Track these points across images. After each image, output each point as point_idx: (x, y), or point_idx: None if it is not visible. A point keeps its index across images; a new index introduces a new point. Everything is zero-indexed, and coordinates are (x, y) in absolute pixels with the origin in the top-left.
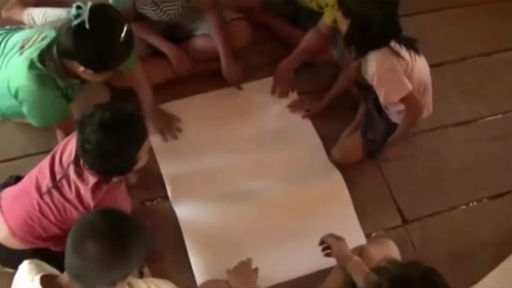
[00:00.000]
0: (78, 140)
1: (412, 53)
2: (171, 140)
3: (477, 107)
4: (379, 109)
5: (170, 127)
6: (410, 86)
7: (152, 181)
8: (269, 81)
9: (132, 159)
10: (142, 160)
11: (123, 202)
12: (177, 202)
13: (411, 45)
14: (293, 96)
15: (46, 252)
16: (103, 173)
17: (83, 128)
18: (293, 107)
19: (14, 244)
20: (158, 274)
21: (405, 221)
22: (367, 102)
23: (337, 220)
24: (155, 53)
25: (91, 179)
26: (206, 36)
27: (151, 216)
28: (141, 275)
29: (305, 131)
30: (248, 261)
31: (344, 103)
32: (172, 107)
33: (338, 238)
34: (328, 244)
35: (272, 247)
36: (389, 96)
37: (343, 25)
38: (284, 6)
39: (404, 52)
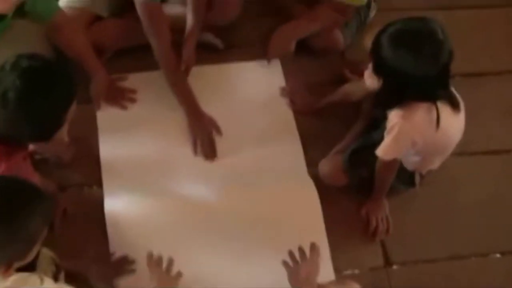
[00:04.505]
0: None
1: (449, 108)
2: (119, 116)
3: None
4: None
5: (121, 96)
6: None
7: (92, 163)
8: (256, 65)
9: (57, 120)
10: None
11: None
12: (110, 191)
13: (452, 101)
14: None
15: None
16: (18, 136)
17: (3, 75)
18: (282, 91)
19: None
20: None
21: (388, 263)
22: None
23: (302, 245)
24: (119, 14)
25: None
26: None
27: (74, 204)
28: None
29: (285, 130)
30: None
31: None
32: (129, 80)
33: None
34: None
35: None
36: (390, 152)
37: (374, 82)
38: None
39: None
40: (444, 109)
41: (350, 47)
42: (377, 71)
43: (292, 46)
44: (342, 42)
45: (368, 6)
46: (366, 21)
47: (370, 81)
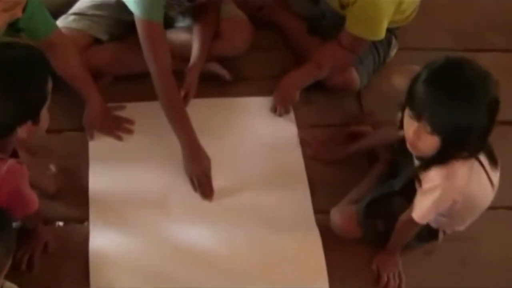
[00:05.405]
0: None
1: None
2: (113, 147)
3: None
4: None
5: (117, 126)
6: None
7: (82, 196)
8: (264, 100)
9: (40, 89)
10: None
11: (30, 193)
12: (96, 229)
13: (492, 156)
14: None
15: None
16: (5, 118)
17: None
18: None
19: None
20: None
21: None
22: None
23: None
24: (120, 38)
25: None
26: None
27: (57, 239)
28: None
29: (293, 172)
30: None
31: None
32: (127, 109)
33: None
34: None
35: None
36: (428, 215)
37: (425, 143)
38: (306, 5)
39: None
40: (485, 165)
41: (367, 87)
42: (436, 130)
43: (296, 96)
44: (357, 81)
45: (388, 43)
46: (386, 60)
47: (426, 144)
